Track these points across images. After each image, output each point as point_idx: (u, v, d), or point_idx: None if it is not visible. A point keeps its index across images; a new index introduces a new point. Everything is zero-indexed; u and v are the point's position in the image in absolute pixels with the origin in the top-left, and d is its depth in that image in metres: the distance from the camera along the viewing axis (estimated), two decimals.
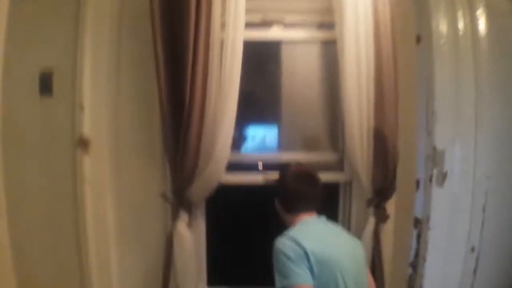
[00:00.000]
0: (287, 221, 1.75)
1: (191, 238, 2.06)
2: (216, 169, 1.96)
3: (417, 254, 1.05)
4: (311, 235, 1.58)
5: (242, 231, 2.48)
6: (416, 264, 1.04)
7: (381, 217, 2.11)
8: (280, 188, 1.80)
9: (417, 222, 1.07)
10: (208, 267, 2.32)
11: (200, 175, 1.95)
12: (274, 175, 1.95)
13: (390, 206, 2.12)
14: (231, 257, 2.51)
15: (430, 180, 1.06)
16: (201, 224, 2.20)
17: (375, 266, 2.06)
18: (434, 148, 1.12)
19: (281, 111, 2.35)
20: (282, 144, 2.37)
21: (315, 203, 1.75)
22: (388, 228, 2.14)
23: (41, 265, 2.16)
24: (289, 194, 1.74)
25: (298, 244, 1.51)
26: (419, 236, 1.06)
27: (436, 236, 1.04)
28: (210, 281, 2.33)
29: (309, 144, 2.37)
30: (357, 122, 2.02)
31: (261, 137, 2.41)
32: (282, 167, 1.96)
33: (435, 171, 1.11)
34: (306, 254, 1.49)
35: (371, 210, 2.11)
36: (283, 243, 1.53)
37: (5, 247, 1.69)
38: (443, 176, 1.10)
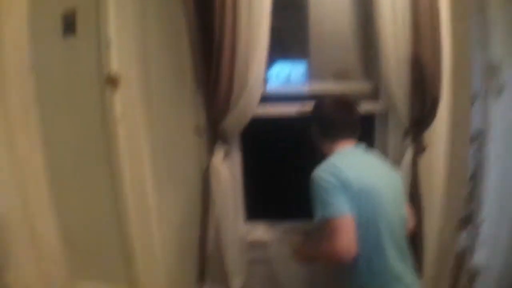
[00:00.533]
0: (325, 149, 1.72)
1: (228, 172, 2.05)
2: (250, 100, 1.91)
3: (475, 169, 1.01)
4: (351, 165, 1.55)
5: (278, 164, 2.46)
6: (475, 178, 1.01)
7: (419, 148, 2.06)
8: (318, 115, 1.78)
9: (475, 137, 1.02)
10: (245, 202, 2.33)
11: (235, 106, 1.91)
12: (309, 106, 1.89)
13: (442, 125, 2.06)
14: (268, 191, 2.51)
15: (487, 93, 1.00)
16: (236, 158, 2.19)
17: (413, 198, 2.02)
18: (490, 61, 1.05)
19: (311, 41, 2.25)
20: (313, 75, 2.29)
21: (354, 130, 1.72)
22: (429, 156, 2.09)
23: (77, 207, 2.21)
24: (327, 121, 1.72)
25: (337, 173, 1.48)
26: (477, 151, 1.02)
27: (494, 150, 1.00)
28: (247, 216, 2.36)
29: (342, 74, 2.28)
30: (393, 47, 1.91)
31: (291, 69, 2.33)
32: (318, 97, 1.91)
33: (491, 84, 1.04)
34: (346, 184, 1.47)
35: (408, 141, 2.05)
36: (322, 173, 1.52)
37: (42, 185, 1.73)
38: (500, 88, 1.04)
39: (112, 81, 2.00)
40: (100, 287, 2.38)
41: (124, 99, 2.03)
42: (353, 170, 1.52)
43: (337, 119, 1.70)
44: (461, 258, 1.05)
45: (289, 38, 2.31)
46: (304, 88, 2.26)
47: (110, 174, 2.15)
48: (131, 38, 2.01)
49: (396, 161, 2.07)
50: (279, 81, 2.29)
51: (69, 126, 2.13)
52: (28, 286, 1.69)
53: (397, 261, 1.55)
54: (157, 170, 2.23)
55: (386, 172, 1.68)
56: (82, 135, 2.14)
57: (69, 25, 2.05)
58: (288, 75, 2.33)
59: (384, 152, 2.20)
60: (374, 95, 2.20)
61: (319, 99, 1.84)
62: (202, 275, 2.20)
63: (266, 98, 2.05)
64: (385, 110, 2.17)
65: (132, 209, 2.19)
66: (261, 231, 2.39)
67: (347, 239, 1.42)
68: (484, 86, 1.01)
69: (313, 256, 1.76)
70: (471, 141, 1.02)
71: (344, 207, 1.45)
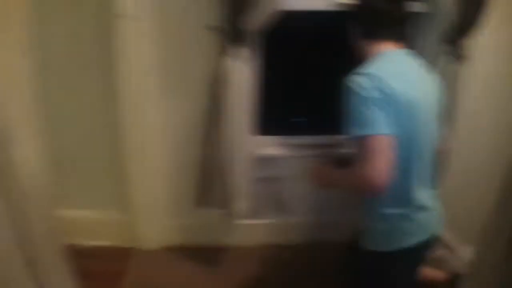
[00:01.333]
0: (365, 51, 1.42)
1: (241, 77, 1.85)
2: None
3: None
4: (393, 73, 1.28)
5: (300, 70, 2.26)
6: None
7: (460, 57, 1.88)
8: (362, 7, 1.43)
9: None
10: (262, 113, 2.15)
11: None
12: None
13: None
14: (283, 102, 2.33)
15: None
16: (254, 62, 1.94)
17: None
18: None
19: None
20: None
21: (401, 30, 1.43)
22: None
23: (68, 120, 2.09)
24: (370, 13, 1.40)
25: (379, 83, 1.22)
26: None
27: None
28: (263, 130, 2.20)
29: None
30: None
31: None
32: None
33: None
34: (386, 96, 1.21)
35: (449, 48, 1.87)
36: (363, 80, 1.24)
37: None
38: None
39: None
40: (92, 213, 2.31)
41: None
42: (397, 79, 1.26)
43: (383, 11, 1.37)
44: None
45: None
46: None
47: (107, 81, 1.99)
48: None
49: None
50: None
51: (62, 23, 1.92)
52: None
53: (421, 189, 1.38)
54: (164, 72, 2.03)
55: (432, 85, 1.44)
56: (77, 34, 1.94)
57: None
58: None
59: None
60: None
61: None
62: (203, 198, 2.07)
63: None
64: (427, 11, 1.97)
65: (130, 122, 2.06)
66: (271, 147, 2.25)
67: (383, 163, 1.19)
68: None
69: (341, 181, 1.50)
70: None
71: (385, 123, 1.21)
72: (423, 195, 1.39)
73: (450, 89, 1.84)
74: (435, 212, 1.44)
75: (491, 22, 1.80)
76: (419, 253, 1.45)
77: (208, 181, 2.02)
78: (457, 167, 2.08)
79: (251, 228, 2.45)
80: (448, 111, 1.81)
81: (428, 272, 2.04)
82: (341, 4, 1.78)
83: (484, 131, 2.13)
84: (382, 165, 1.19)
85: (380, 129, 1.20)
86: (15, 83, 1.29)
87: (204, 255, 2.38)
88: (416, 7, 1.93)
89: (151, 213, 2.33)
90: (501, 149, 2.13)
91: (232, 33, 1.75)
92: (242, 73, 1.83)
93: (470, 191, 2.15)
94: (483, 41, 1.90)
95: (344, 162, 1.51)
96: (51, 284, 1.52)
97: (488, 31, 1.84)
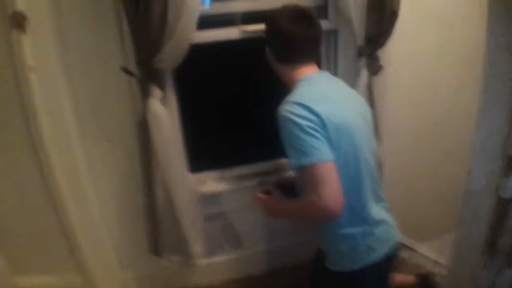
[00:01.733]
0: (285, 76, 1.44)
1: (168, 116, 1.77)
2: (188, 24, 1.60)
3: None
4: (321, 97, 1.29)
5: (222, 101, 2.20)
6: None
7: (375, 69, 1.91)
8: (273, 33, 1.43)
9: None
10: (189, 151, 2.05)
11: (171, 36, 1.60)
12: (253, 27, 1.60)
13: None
14: (213, 135, 2.26)
15: None
16: (173, 103, 1.87)
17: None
18: None
19: None
20: None
21: (315, 50, 1.44)
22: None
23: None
24: (284, 39, 1.38)
25: (310, 110, 1.22)
26: None
27: None
28: (192, 168, 2.10)
29: None
30: None
31: None
32: (270, 12, 1.50)
33: None
34: (321, 121, 1.21)
35: (362, 61, 1.89)
36: (293, 112, 1.22)
37: None
38: None
39: (18, 21, 1.65)
40: (46, 279, 2.16)
41: (35, 42, 1.69)
42: (325, 103, 1.26)
43: (296, 36, 1.36)
44: (505, 207, 0.86)
45: None
46: (241, 6, 1.95)
47: (27, 137, 1.86)
48: None
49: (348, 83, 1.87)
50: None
51: None
52: None
53: (374, 203, 1.40)
54: (85, 126, 1.92)
55: (357, 100, 1.45)
56: None
57: None
58: None
59: (333, 73, 2.03)
60: (322, 12, 2.00)
61: (272, 13, 1.45)
62: (156, 245, 1.97)
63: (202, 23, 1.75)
64: (334, 28, 2.00)
65: (63, 185, 1.93)
66: (211, 183, 2.20)
67: (333, 188, 1.18)
68: None
69: (292, 211, 1.46)
70: None
71: (325, 149, 1.21)
72: (377, 208, 1.40)
73: (370, 101, 1.89)
74: (391, 223, 1.44)
75: (402, 31, 1.86)
76: (384, 265, 1.44)
77: (157, 228, 1.92)
78: (389, 175, 2.12)
79: (210, 267, 2.37)
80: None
81: (398, 278, 2.07)
82: (251, 32, 1.81)
83: (406, 137, 2.24)
84: (333, 190, 1.18)
85: (322, 155, 1.19)
86: None
87: None
88: (325, 25, 1.95)
89: (107, 268, 2.19)
90: (423, 152, 2.31)
91: (148, 71, 1.68)
92: (166, 113, 1.76)
93: (408, 192, 2.26)
94: (396, 51, 1.95)
95: (287, 187, 1.51)
96: None
97: (400, 40, 1.90)
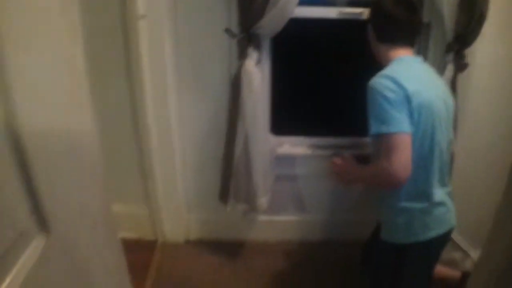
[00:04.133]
0: (381, 55, 1.54)
1: (260, 78, 1.93)
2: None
3: None
4: (412, 75, 1.38)
5: (312, 74, 2.32)
6: None
7: (460, 66, 1.95)
8: (377, 12, 1.54)
9: None
10: (272, 115, 2.22)
11: (274, 6, 1.74)
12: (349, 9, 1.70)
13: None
14: (299, 104, 2.39)
15: None
16: (267, 66, 2.06)
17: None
18: None
19: None
20: None
21: (414, 36, 1.53)
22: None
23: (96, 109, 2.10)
24: (387, 19, 1.48)
25: (399, 85, 1.31)
26: None
27: None
28: (274, 130, 2.25)
29: None
30: None
31: None
32: None
33: None
34: (407, 96, 1.30)
35: (450, 57, 1.94)
36: (382, 84, 1.33)
37: None
38: None
39: None
40: (116, 207, 2.34)
41: None
42: (414, 81, 1.34)
43: (398, 18, 1.45)
44: None
45: None
46: None
47: (128, 80, 2.06)
48: None
49: None
50: None
51: (85, 23, 1.98)
52: None
53: (439, 185, 1.45)
54: (182, 73, 2.11)
55: (443, 88, 1.52)
56: (101, 29, 1.97)
57: None
58: None
59: None
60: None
61: None
62: (225, 193, 2.12)
63: (302, 1, 1.88)
64: (428, 22, 2.04)
65: (152, 118, 2.11)
66: (289, 146, 2.31)
67: (405, 158, 1.28)
68: None
69: (364, 176, 1.58)
70: None
71: (405, 122, 1.30)
72: (441, 191, 1.46)
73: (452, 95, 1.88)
74: (451, 208, 1.50)
75: (489, 31, 1.88)
76: (435, 247, 1.51)
77: (231, 177, 2.07)
78: (462, 171, 2.14)
79: (271, 224, 2.49)
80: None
81: (442, 269, 2.09)
82: (347, 14, 1.91)
83: (484, 136, 2.20)
84: (404, 159, 1.28)
85: (402, 127, 1.29)
86: None
87: (226, 249, 2.44)
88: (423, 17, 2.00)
89: (175, 207, 2.38)
90: (500, 154, 2.22)
91: (247, 37, 1.84)
92: (259, 75, 1.91)
93: (477, 195, 2.20)
94: (483, 50, 1.98)
95: (362, 161, 1.59)
96: None
97: (487, 40, 1.92)
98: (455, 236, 2.35)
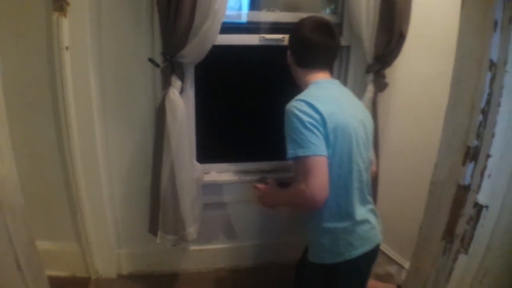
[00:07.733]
0: (300, 79, 1.60)
1: (184, 107, 1.91)
2: (212, 27, 1.76)
3: (488, 100, 0.93)
4: (327, 99, 1.42)
5: (236, 100, 2.37)
6: (488, 110, 0.93)
7: (381, 85, 2.05)
8: (295, 38, 1.60)
9: (492, 66, 0.93)
10: (197, 142, 2.22)
11: (195, 35, 1.75)
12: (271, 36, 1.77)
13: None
14: (224, 130, 2.42)
15: (510, 21, 0.91)
16: (190, 94, 2.05)
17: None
18: None
19: None
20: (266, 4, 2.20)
21: (331, 59, 1.61)
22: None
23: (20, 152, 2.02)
24: (305, 45, 1.55)
25: (314, 108, 1.35)
26: (492, 81, 0.93)
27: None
28: (199, 158, 2.23)
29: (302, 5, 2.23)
30: None
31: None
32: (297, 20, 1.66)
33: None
34: (322, 119, 1.34)
35: (370, 77, 2.03)
36: (297, 107, 1.36)
37: None
38: None
39: (60, 5, 1.84)
40: (46, 245, 2.23)
41: (73, 25, 1.88)
42: (329, 105, 1.39)
43: (317, 43, 1.52)
44: (463, 195, 0.99)
45: None
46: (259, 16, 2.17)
47: (54, 113, 2.04)
48: None
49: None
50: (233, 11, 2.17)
51: (12, 54, 1.95)
52: None
53: (360, 204, 1.49)
54: (107, 104, 2.10)
55: (361, 110, 1.58)
56: (27, 60, 1.97)
57: None
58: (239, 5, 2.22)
59: None
60: (337, 29, 2.11)
61: (299, 21, 1.62)
62: (155, 224, 2.07)
63: (224, 29, 1.90)
64: (348, 44, 2.15)
65: (78, 152, 2.09)
66: (215, 173, 2.34)
67: (321, 180, 1.31)
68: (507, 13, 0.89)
69: (284, 199, 1.60)
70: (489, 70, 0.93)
71: (321, 145, 1.33)
72: (363, 209, 1.50)
73: (373, 114, 1.96)
74: (374, 225, 1.53)
75: (409, 54, 1.99)
76: (364, 264, 1.54)
77: (159, 207, 2.02)
78: (387, 188, 2.22)
79: (203, 253, 2.48)
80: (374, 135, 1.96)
81: (377, 284, 2.14)
82: (269, 40, 1.97)
83: (406, 155, 2.28)
84: (320, 182, 1.30)
85: (318, 150, 1.32)
86: None
87: (159, 281, 2.42)
88: (342, 41, 2.10)
89: (105, 242, 2.32)
90: (421, 168, 2.30)
91: (171, 66, 1.83)
92: (182, 103, 1.90)
93: (405, 209, 2.28)
94: (402, 70, 2.09)
95: (284, 185, 1.62)
96: None
97: (407, 59, 2.03)
98: (388, 250, 2.42)
